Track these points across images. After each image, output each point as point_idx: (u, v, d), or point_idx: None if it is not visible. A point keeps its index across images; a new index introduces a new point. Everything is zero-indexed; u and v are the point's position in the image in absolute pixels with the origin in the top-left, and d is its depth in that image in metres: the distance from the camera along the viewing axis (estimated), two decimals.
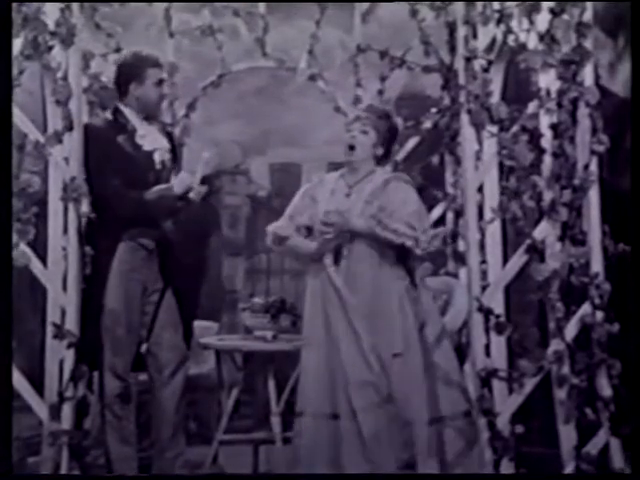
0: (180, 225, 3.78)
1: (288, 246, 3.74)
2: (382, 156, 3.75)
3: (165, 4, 4.88)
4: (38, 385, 3.82)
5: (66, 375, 3.84)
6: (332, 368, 3.52)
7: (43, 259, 3.90)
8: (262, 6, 4.90)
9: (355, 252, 3.61)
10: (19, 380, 3.76)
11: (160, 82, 3.86)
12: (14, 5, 3.80)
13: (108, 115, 3.93)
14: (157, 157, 3.82)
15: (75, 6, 3.99)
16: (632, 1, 3.64)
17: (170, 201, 3.73)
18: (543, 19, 3.80)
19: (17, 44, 3.82)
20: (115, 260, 3.77)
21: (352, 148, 3.66)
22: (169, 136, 4.02)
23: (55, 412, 3.78)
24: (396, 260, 3.61)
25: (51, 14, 3.91)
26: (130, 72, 3.88)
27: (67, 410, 3.82)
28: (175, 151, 4.00)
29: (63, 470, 3.78)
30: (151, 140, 3.82)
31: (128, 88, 3.89)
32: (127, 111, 3.87)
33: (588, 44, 3.76)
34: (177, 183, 3.73)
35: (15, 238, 3.80)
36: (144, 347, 3.73)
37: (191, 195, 3.71)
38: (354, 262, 3.60)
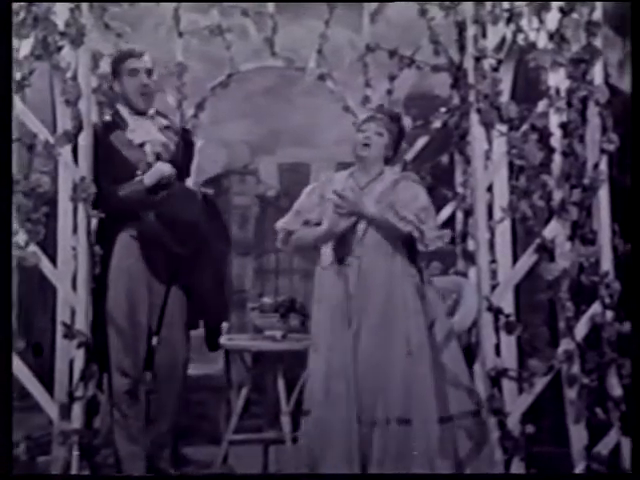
0: (163, 217, 3.71)
1: (295, 239, 3.73)
2: (391, 157, 3.75)
3: (174, 4, 4.89)
4: (48, 384, 3.82)
5: (76, 374, 3.85)
6: (345, 369, 3.50)
7: (53, 259, 3.91)
8: (271, 6, 4.89)
9: (367, 247, 3.60)
10: (29, 379, 3.77)
11: (134, 71, 3.80)
12: (24, 5, 3.82)
13: (108, 117, 3.92)
14: (148, 149, 3.78)
15: (84, 6, 4.00)
16: (632, 1, 3.62)
17: (141, 194, 3.70)
18: (553, 18, 3.79)
19: (27, 44, 3.84)
20: (114, 257, 3.77)
21: (366, 146, 3.64)
22: (182, 130, 3.96)
23: (65, 411, 3.79)
24: (407, 257, 3.61)
25: (61, 14, 3.92)
26: (112, 71, 3.91)
27: (77, 409, 3.83)
28: (190, 146, 3.94)
29: (73, 469, 3.79)
30: (141, 133, 3.80)
31: (113, 87, 3.90)
32: (121, 108, 3.87)
33: (598, 43, 3.75)
34: (148, 175, 3.71)
35: (25, 238, 3.81)
36: (154, 340, 3.70)
37: (189, 183, 3.70)
38: (366, 258, 3.58)
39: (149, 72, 3.83)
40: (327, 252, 3.63)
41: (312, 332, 3.68)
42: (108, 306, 3.75)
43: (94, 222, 3.85)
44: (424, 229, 3.58)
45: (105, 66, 4.52)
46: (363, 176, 3.70)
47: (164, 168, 3.72)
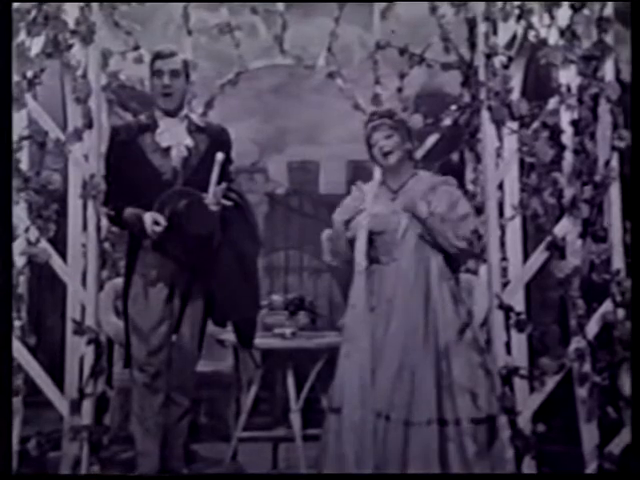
0: (174, 229, 3.54)
1: (325, 246, 3.73)
2: (412, 147, 3.67)
3: (183, 2, 4.88)
4: (59, 380, 3.83)
5: (86, 371, 3.85)
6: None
7: (63, 255, 3.92)
8: (280, 4, 4.88)
9: (405, 249, 3.55)
10: (40, 375, 3.79)
11: (158, 72, 3.67)
12: (35, 4, 3.83)
13: (144, 118, 3.79)
14: (174, 153, 3.69)
15: (94, 4, 4.00)
16: (632, 1, 3.61)
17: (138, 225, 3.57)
18: (564, 14, 3.78)
19: (38, 42, 3.85)
20: (138, 260, 3.71)
21: (387, 155, 3.59)
22: (220, 130, 3.82)
23: (75, 407, 3.80)
24: (444, 259, 3.55)
25: (71, 12, 3.93)
26: (149, 72, 3.81)
27: (87, 406, 3.84)
28: (226, 146, 3.78)
29: (83, 465, 3.80)
30: (168, 136, 3.70)
31: (150, 88, 3.84)
32: (155, 110, 3.76)
33: (609, 39, 3.74)
34: (147, 216, 3.52)
35: (36, 235, 3.82)
36: (174, 337, 3.68)
37: (208, 198, 3.56)
38: (404, 260, 3.53)
39: (174, 73, 3.68)
40: (362, 256, 3.58)
41: (344, 334, 3.60)
42: (129, 299, 3.70)
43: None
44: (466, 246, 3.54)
45: (115, 64, 4.54)
46: (394, 181, 3.64)
47: (154, 227, 3.53)
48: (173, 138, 3.71)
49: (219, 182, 3.59)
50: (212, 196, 3.57)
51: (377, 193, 3.63)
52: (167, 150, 3.70)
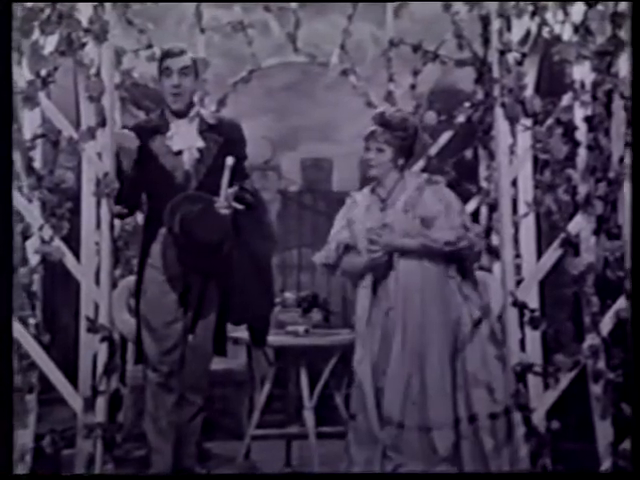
0: (184, 235, 3.54)
1: (341, 270, 3.73)
2: (404, 163, 3.67)
3: (196, 0, 4.89)
4: (72, 378, 3.85)
5: (99, 368, 3.87)
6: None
7: (77, 254, 3.93)
8: (293, 2, 4.88)
9: (403, 258, 3.56)
10: (54, 373, 3.80)
11: (167, 71, 3.65)
12: (49, 3, 3.85)
13: (154, 117, 3.78)
14: (186, 157, 3.67)
15: (108, 3, 4.01)
16: (632, 1, 3.58)
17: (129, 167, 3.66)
18: (578, 10, 3.76)
19: (52, 41, 3.87)
20: (152, 251, 3.72)
21: (371, 166, 3.62)
22: (231, 126, 3.78)
23: (89, 405, 3.82)
24: (446, 261, 3.56)
25: (85, 11, 3.94)
26: (157, 71, 3.76)
27: (101, 403, 3.85)
28: (239, 143, 3.77)
29: (97, 462, 3.81)
30: (179, 140, 3.68)
31: (159, 87, 3.83)
32: (165, 110, 3.75)
33: (623, 34, 3.71)
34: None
35: (50, 233, 3.84)
36: (190, 337, 3.68)
37: (220, 202, 3.52)
38: (403, 267, 3.54)
39: (184, 72, 3.66)
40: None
41: (356, 348, 3.62)
42: (142, 299, 3.71)
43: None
44: (470, 236, 3.54)
45: (128, 62, 4.56)
46: (383, 189, 3.65)
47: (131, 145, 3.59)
48: (184, 141, 3.69)
49: (230, 185, 3.57)
50: (223, 200, 3.53)
51: (368, 204, 3.64)
52: (179, 153, 3.69)
